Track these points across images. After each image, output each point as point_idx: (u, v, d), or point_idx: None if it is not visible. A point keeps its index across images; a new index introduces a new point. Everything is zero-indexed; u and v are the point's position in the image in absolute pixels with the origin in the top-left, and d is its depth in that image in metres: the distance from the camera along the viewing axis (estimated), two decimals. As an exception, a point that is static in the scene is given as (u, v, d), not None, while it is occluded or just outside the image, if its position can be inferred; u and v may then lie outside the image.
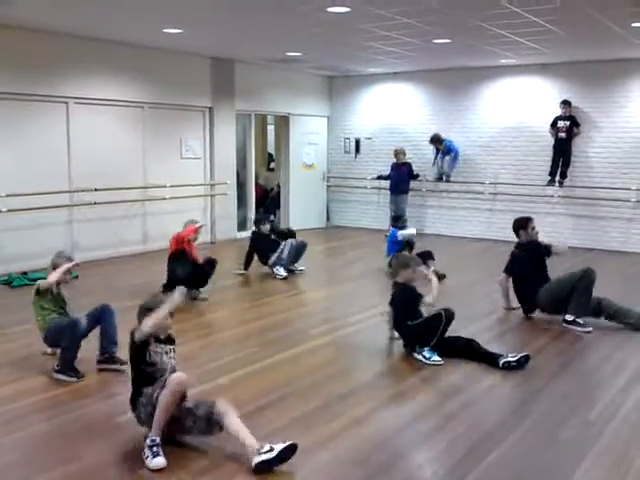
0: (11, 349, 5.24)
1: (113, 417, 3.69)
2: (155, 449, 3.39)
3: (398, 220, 9.22)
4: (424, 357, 5.04)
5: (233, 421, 3.47)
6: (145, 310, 3.70)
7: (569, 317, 5.98)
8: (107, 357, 4.77)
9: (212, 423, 3.52)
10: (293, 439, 3.48)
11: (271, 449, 3.34)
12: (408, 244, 8.49)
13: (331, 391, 4.47)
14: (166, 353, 3.72)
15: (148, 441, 3.42)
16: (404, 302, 5.26)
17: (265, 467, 3.32)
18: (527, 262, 6.35)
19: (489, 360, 5.00)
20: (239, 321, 6.45)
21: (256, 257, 8.40)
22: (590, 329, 5.86)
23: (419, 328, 5.11)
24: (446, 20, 7.28)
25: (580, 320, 5.93)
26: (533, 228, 6.46)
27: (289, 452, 3.37)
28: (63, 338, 4.63)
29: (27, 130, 8.41)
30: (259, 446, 3.36)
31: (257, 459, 3.33)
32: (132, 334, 3.64)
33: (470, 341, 5.17)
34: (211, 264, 7.20)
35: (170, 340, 3.81)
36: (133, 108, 9.76)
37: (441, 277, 8.26)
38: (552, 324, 6.25)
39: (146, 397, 3.55)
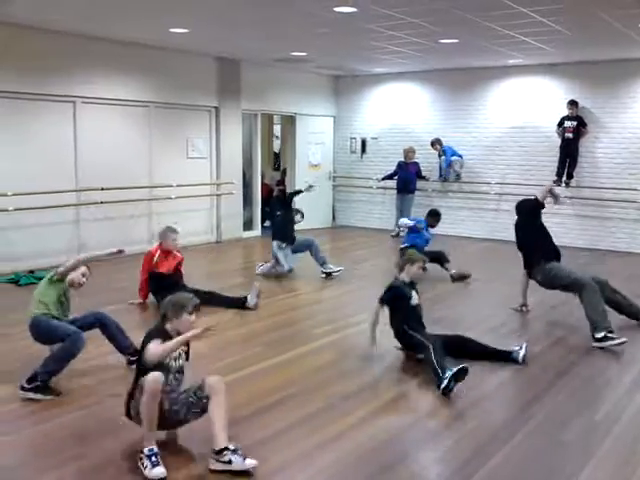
0: (11, 349, 5.21)
1: (119, 415, 3.70)
2: (154, 459, 3.28)
3: (433, 217, 8.86)
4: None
5: (216, 408, 3.41)
6: (176, 306, 3.64)
7: (599, 335, 5.48)
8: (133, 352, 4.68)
9: (202, 402, 3.50)
10: (297, 440, 3.46)
11: (229, 462, 3.28)
12: (439, 259, 8.37)
13: (335, 391, 4.47)
14: (178, 355, 3.65)
15: (146, 451, 3.30)
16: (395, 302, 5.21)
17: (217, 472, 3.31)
18: (523, 227, 6.42)
19: (497, 357, 5.02)
20: (243, 320, 6.44)
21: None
22: (625, 339, 5.42)
23: (413, 344, 5.02)
24: (453, 20, 7.27)
25: (610, 334, 5.45)
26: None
27: (245, 473, 3.29)
28: (54, 342, 4.48)
29: (34, 129, 8.44)
30: (219, 449, 3.31)
31: (212, 464, 3.34)
32: (146, 340, 3.54)
33: (466, 340, 5.17)
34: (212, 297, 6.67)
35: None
36: (140, 107, 9.79)
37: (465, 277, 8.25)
38: (557, 325, 6.26)
39: (135, 402, 3.49)
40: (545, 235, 6.40)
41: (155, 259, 6.72)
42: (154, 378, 3.35)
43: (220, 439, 3.33)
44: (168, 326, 3.65)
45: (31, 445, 3.73)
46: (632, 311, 6.10)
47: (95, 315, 4.83)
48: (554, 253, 6.27)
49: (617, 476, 3.42)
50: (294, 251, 8.38)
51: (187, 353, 3.81)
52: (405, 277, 5.29)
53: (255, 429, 3.79)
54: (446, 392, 4.36)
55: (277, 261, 8.23)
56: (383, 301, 5.20)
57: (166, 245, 6.76)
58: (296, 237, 8.44)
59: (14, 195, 7.97)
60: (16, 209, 8.02)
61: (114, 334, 4.78)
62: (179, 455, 3.54)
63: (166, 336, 3.59)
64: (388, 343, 5.26)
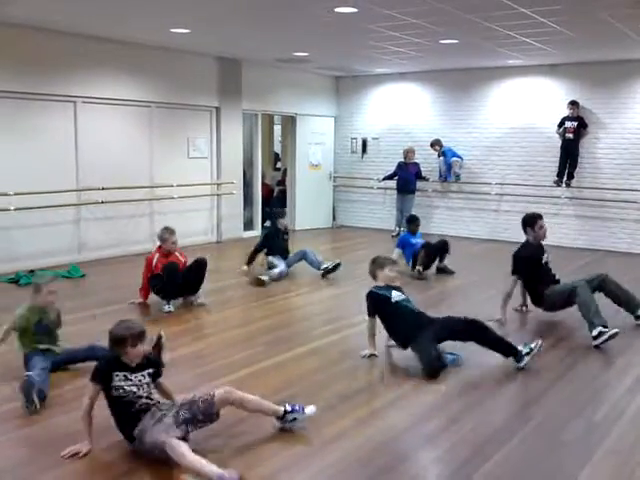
0: (8, 350, 5.15)
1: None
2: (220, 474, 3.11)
3: (413, 223, 8.90)
4: None
5: (248, 405, 3.70)
6: (118, 343, 3.54)
7: (595, 332, 5.50)
8: None
9: (212, 417, 3.57)
10: (297, 440, 3.45)
11: (294, 420, 3.77)
12: (443, 248, 8.47)
13: (335, 392, 4.48)
14: (139, 382, 3.55)
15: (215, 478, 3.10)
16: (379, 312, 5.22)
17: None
18: (528, 262, 6.24)
19: (506, 350, 4.98)
20: (244, 321, 6.45)
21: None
22: (617, 330, 5.47)
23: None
24: (453, 21, 7.27)
25: (605, 329, 5.47)
26: (541, 227, 6.26)
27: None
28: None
29: (35, 129, 8.44)
30: (281, 415, 3.77)
31: (279, 424, 3.79)
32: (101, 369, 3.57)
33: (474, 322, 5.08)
34: (198, 266, 6.73)
35: (141, 366, 3.60)
36: (141, 107, 9.79)
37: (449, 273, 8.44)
38: (556, 325, 6.26)
39: (142, 440, 3.44)
40: (541, 277, 6.28)
41: (154, 262, 6.62)
42: (175, 445, 3.26)
43: (274, 410, 3.77)
44: (123, 358, 3.57)
45: (29, 445, 3.72)
46: (630, 306, 6.12)
47: (86, 352, 4.75)
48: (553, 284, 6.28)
49: (616, 476, 3.43)
50: (288, 265, 8.36)
51: (155, 372, 3.70)
52: (380, 283, 5.28)
53: (254, 429, 3.79)
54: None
55: (270, 266, 8.21)
56: (369, 312, 5.23)
57: (166, 247, 6.67)
58: (289, 253, 8.48)
59: (15, 195, 7.98)
60: (17, 209, 8.03)
61: None
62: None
63: (122, 366, 3.55)
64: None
